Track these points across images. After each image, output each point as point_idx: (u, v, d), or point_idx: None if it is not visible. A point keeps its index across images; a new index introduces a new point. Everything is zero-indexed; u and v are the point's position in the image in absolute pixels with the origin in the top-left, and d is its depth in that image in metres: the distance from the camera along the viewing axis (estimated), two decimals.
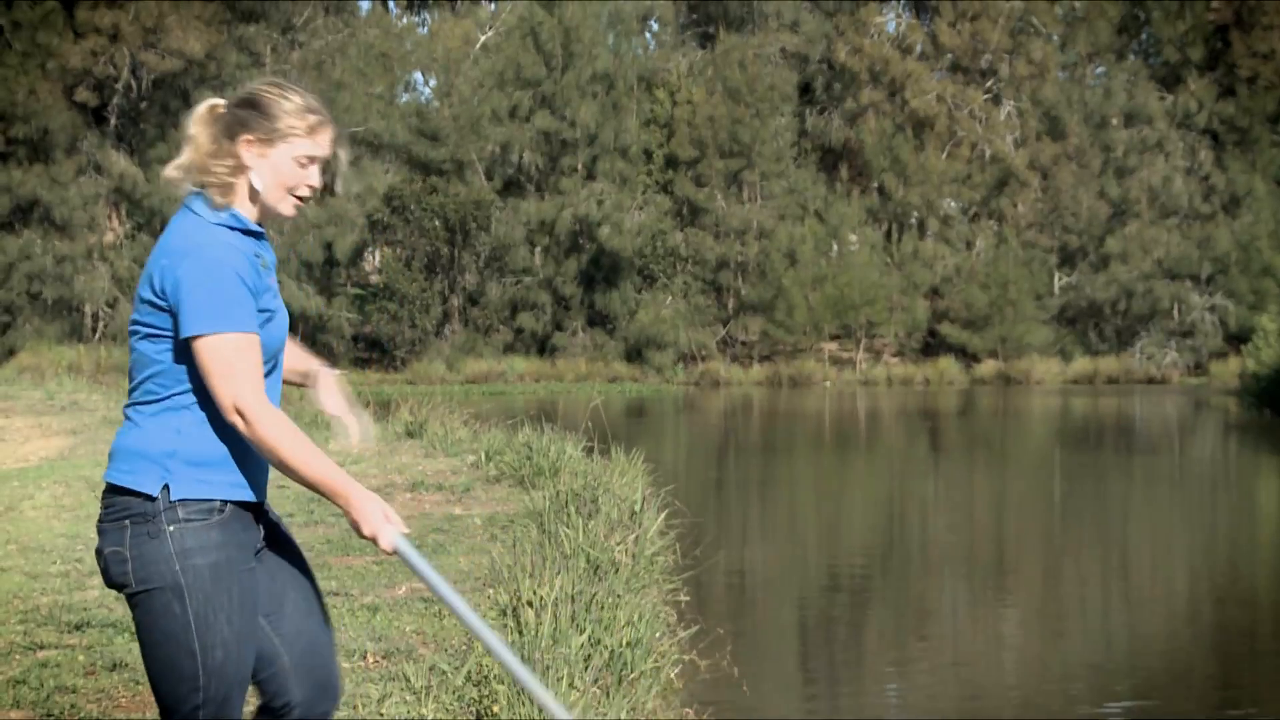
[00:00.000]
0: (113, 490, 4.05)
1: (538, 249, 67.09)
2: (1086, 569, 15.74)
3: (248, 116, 4.16)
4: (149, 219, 60.17)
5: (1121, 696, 9.94)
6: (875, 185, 72.97)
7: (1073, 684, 10.33)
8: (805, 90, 74.74)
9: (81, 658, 7.89)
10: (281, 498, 13.10)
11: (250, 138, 4.14)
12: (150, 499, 3.98)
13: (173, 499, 3.97)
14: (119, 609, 9.04)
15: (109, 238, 60.30)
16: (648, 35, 76.66)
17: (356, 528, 4.05)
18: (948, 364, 66.76)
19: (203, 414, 4.05)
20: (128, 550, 3.99)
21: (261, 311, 4.07)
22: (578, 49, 66.70)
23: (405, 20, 77.56)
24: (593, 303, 66.38)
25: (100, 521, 4.07)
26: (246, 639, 4.06)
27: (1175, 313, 70.09)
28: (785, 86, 70.30)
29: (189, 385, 4.05)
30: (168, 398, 4.06)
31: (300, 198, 4.24)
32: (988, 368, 66.95)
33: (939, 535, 18.17)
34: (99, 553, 4.05)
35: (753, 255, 67.44)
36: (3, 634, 8.46)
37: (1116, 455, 30.33)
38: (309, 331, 64.72)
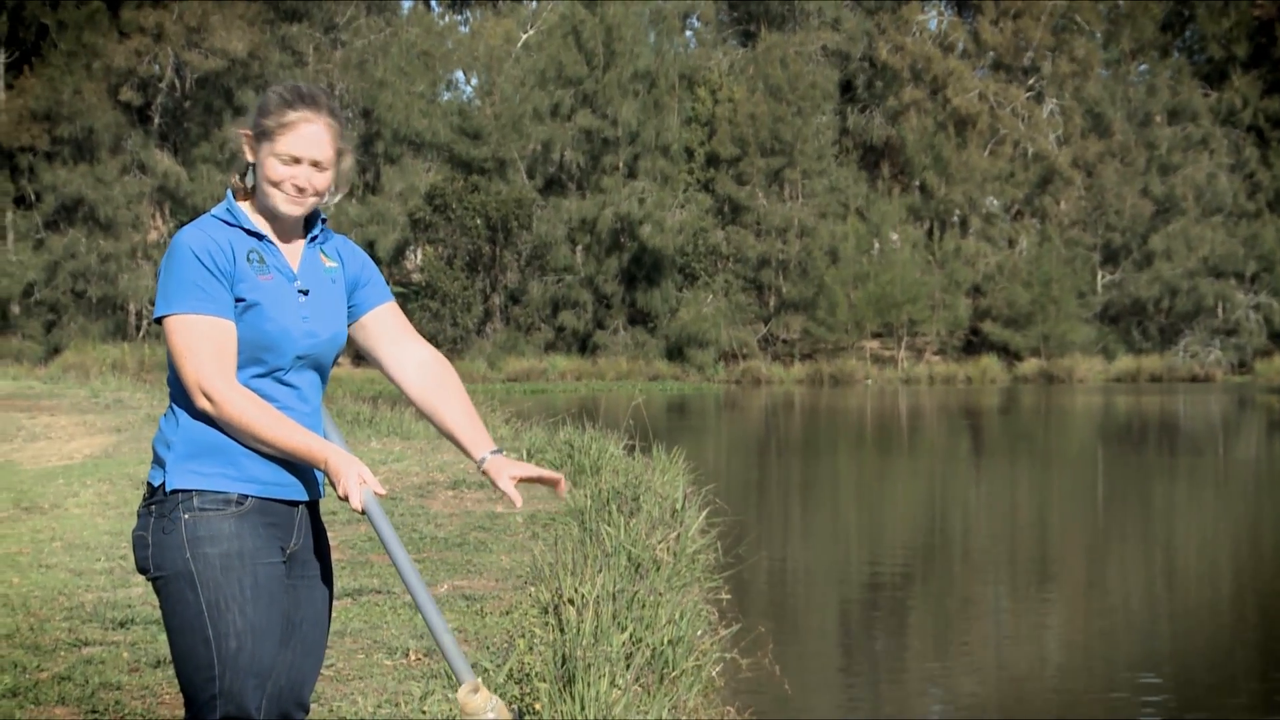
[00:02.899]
0: (146, 484, 4.16)
1: (579, 247, 67.11)
2: (1129, 568, 15.66)
3: (250, 112, 4.25)
4: (192, 217, 60.27)
5: (1165, 696, 9.89)
6: (917, 183, 72.77)
7: (1116, 684, 10.29)
8: (846, 88, 74.61)
9: (126, 654, 7.93)
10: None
11: (247, 132, 4.23)
12: (155, 489, 4.09)
13: (167, 490, 4.06)
14: None
15: (153, 236, 60.61)
16: (689, 33, 76.63)
17: (334, 487, 4.07)
18: (990, 362, 66.50)
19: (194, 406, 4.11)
20: (149, 535, 4.07)
21: (239, 301, 4.08)
22: (619, 47, 66.69)
23: (447, 19, 77.67)
24: (634, 301, 66.38)
25: (137, 514, 4.16)
26: (263, 632, 4.09)
27: (1219, 311, 69.71)
28: (827, 84, 70.14)
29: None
30: (175, 392, 4.16)
31: (296, 192, 4.21)
32: (1030, 366, 66.66)
33: (981, 534, 18.11)
34: (131, 540, 4.17)
35: (794, 253, 67.33)
36: (48, 631, 8.51)
37: (1160, 454, 30.18)
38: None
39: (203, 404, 4.01)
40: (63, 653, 7.99)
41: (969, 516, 20.27)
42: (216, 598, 4.02)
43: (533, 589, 9.54)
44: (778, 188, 68.47)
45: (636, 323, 66.42)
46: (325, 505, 4.40)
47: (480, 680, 4.18)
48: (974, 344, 69.80)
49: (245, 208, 4.26)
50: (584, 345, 65.55)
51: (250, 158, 4.23)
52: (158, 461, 4.12)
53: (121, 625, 8.64)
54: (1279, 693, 10.31)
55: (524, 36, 71.05)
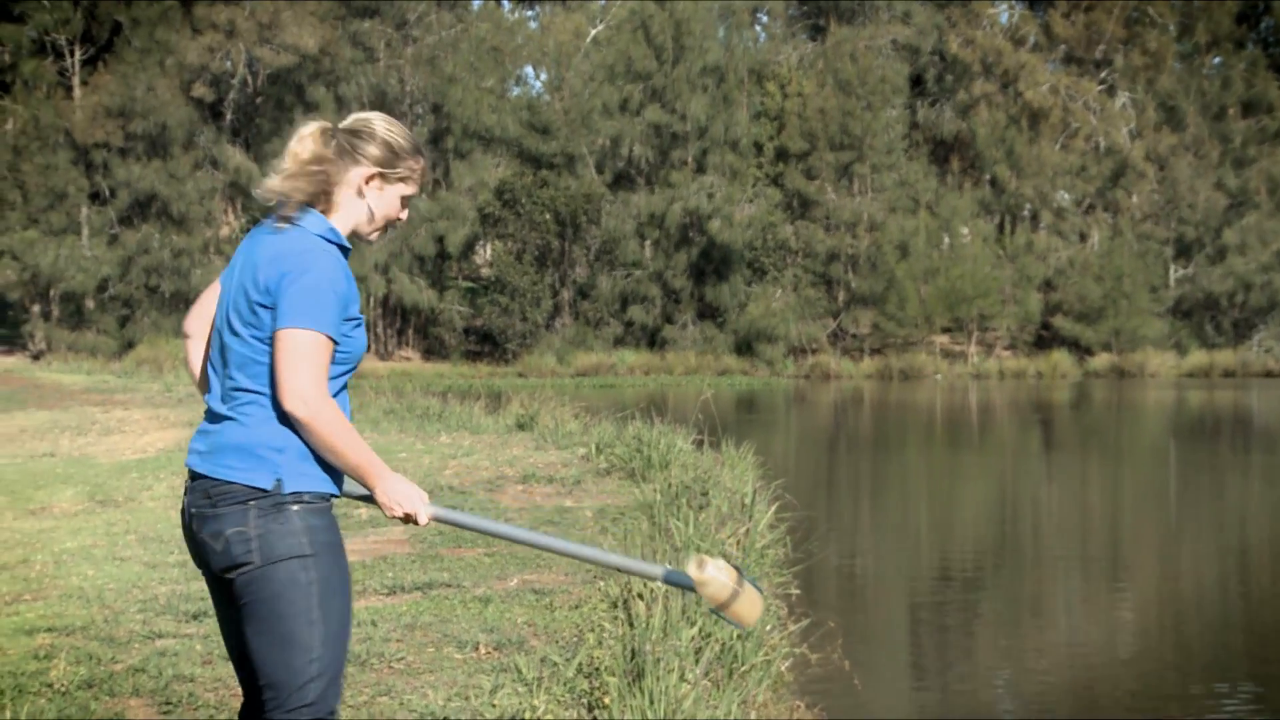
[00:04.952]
0: (219, 483, 4.22)
1: (648, 242, 67.10)
2: (1202, 564, 15.54)
3: (369, 151, 4.45)
4: (264, 213, 60.70)
5: (1237, 692, 9.81)
6: (987, 177, 72.41)
7: (1189, 684, 10.22)
8: (916, 82, 74.29)
9: (199, 647, 8.00)
10: None
11: (371, 173, 4.45)
12: (265, 493, 4.19)
13: (284, 492, 4.20)
14: None
15: (224, 231, 61.03)
16: (758, 28, 76.48)
17: (387, 509, 4.28)
18: (1060, 357, 66.08)
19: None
20: (251, 529, 4.18)
21: (349, 320, 4.30)
22: (688, 42, 66.61)
23: (517, 14, 77.86)
24: (703, 296, 66.31)
25: (213, 507, 4.22)
26: (348, 621, 4.31)
27: None
28: (896, 78, 69.83)
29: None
30: (265, 397, 4.27)
31: (387, 229, 4.60)
32: (1101, 361, 66.19)
33: (1052, 531, 18.00)
34: (216, 535, 4.20)
35: (863, 248, 67.09)
36: (122, 623, 8.58)
37: (1233, 450, 29.91)
38: (421, 325, 65.15)
39: (293, 406, 4.14)
40: (137, 645, 8.06)
41: (1039, 513, 20.15)
42: (327, 577, 4.23)
43: (602, 583, 9.56)
44: (847, 182, 68.24)
45: (705, 317, 66.36)
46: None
47: (694, 555, 4.57)
48: (1045, 339, 69.41)
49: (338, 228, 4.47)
50: (653, 340, 65.54)
51: (365, 194, 4.46)
52: (262, 463, 4.21)
53: (194, 618, 8.71)
54: None
55: (593, 31, 71.12)
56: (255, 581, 4.19)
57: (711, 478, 14.30)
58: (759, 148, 69.29)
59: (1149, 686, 10.14)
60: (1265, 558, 16.27)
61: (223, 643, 7.93)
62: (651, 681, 6.89)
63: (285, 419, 4.22)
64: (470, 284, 70.00)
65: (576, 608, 9.17)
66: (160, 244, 57.78)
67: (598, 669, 7.28)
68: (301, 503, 4.21)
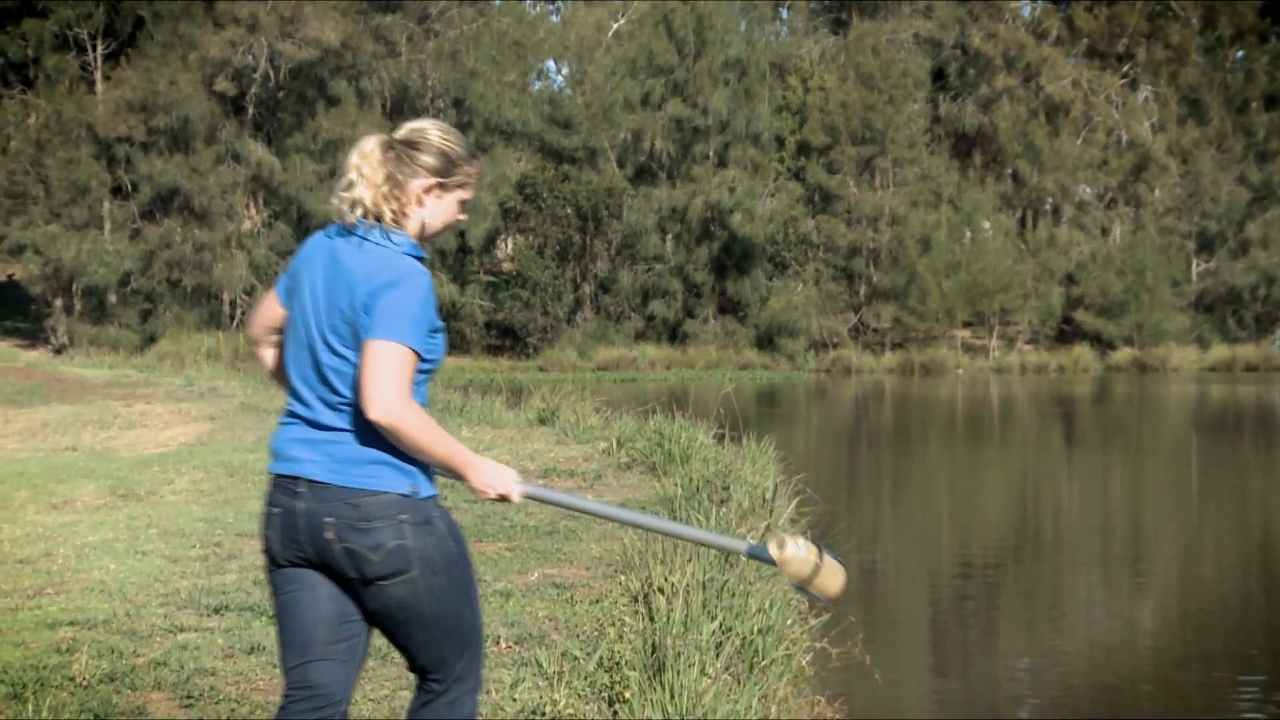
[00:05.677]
0: (366, 493, 4.48)
1: (669, 236, 67.06)
2: (1224, 561, 15.51)
3: (426, 161, 4.63)
4: (286, 207, 60.88)
5: (1259, 685, 9.79)
6: (1009, 171, 72.23)
7: (1211, 679, 10.20)
8: (938, 76, 74.13)
9: (220, 641, 8.02)
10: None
11: (430, 183, 4.62)
12: (406, 497, 4.48)
13: (421, 496, 4.52)
14: (257, 592, 9.17)
15: (246, 225, 61.07)
16: (780, 22, 76.38)
17: (481, 493, 4.59)
18: (1082, 351, 65.94)
19: None
20: (409, 541, 4.48)
21: (434, 333, 4.52)
22: (710, 36, 66.51)
23: (538, 8, 77.87)
24: (724, 290, 66.25)
25: (365, 520, 4.48)
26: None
27: None
28: (918, 72, 69.66)
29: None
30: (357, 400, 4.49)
31: (447, 234, 4.84)
32: (1123, 355, 66.04)
33: (1073, 525, 17.98)
34: (375, 547, 4.48)
35: (885, 242, 66.96)
36: (144, 616, 8.61)
37: (1255, 444, 29.85)
38: (443, 319, 65.07)
39: (384, 416, 4.33)
40: (158, 638, 8.09)
41: (1061, 507, 20.13)
42: (470, 569, 4.68)
43: (623, 577, 9.57)
44: (869, 176, 68.11)
45: (726, 311, 66.30)
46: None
47: (775, 534, 4.91)
48: (1066, 333, 69.26)
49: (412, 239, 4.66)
50: (674, 334, 65.50)
51: (425, 204, 4.64)
52: (401, 472, 4.49)
53: (216, 612, 8.74)
54: None
55: (615, 25, 71.08)
56: (417, 588, 4.52)
57: (732, 472, 14.30)
58: (780, 142, 69.17)
59: (1170, 681, 10.13)
60: None
61: (244, 637, 7.97)
62: (672, 676, 6.90)
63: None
64: (492, 278, 70.05)
65: (597, 602, 9.18)
66: (182, 238, 57.83)
67: (618, 663, 7.29)
68: (438, 508, 4.57)
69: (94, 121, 57.83)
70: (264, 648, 7.79)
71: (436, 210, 4.65)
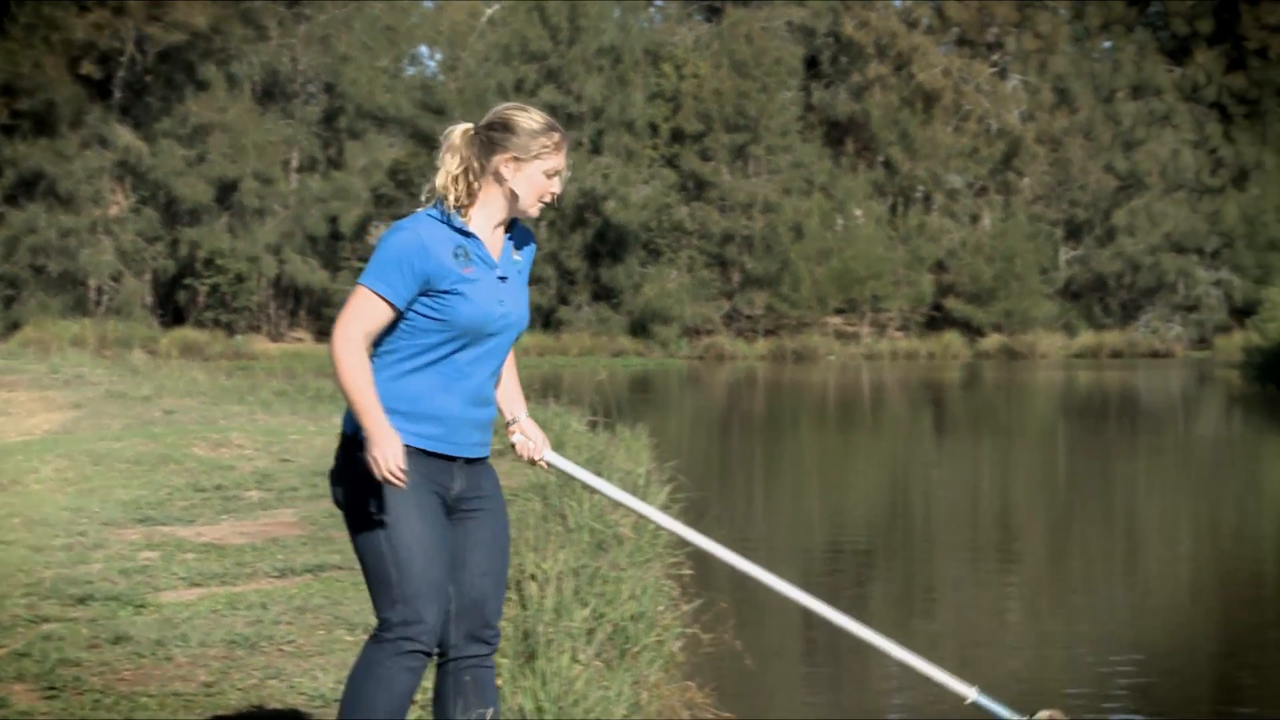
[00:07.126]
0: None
1: (543, 223, 66.98)
2: (1091, 544, 15.73)
3: (503, 138, 5.09)
4: (153, 193, 60.06)
5: (1126, 673, 9.93)
6: (881, 159, 72.77)
7: (1078, 664, 10.33)
8: (811, 64, 74.48)
9: (85, 631, 7.91)
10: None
11: (505, 157, 5.07)
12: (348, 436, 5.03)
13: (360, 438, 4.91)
14: (122, 582, 9.06)
15: (113, 211, 60.23)
16: (654, 9, 76.43)
17: (369, 465, 4.81)
18: (952, 338, 66.67)
19: (393, 369, 5.01)
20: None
21: (444, 293, 4.96)
22: (584, 22, 66.46)
23: None
24: (598, 277, 66.28)
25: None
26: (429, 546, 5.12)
27: (1180, 286, 70.04)
28: (791, 60, 70.05)
29: (387, 345, 5.02)
30: (376, 355, 5.02)
31: (551, 197, 5.20)
32: (992, 342, 66.84)
33: (943, 510, 18.17)
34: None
35: (758, 229, 67.27)
36: (6, 607, 8.47)
37: (1120, 429, 30.32)
38: (313, 306, 64.70)
39: (329, 346, 4.89)
40: (21, 629, 7.96)
41: (931, 493, 20.33)
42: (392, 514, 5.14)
43: None
44: (742, 164, 68.41)
45: (600, 299, 66.33)
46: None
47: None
48: (937, 320, 69.95)
49: (454, 213, 5.10)
50: (547, 321, 65.44)
51: (507, 177, 5.08)
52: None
53: (80, 602, 8.62)
54: (1234, 658, 10.38)
55: (488, 11, 70.75)
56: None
57: (606, 459, 14.30)
58: (654, 129, 69.26)
59: (1037, 668, 10.24)
60: (1151, 537, 16.51)
61: (108, 627, 7.86)
62: (544, 663, 6.90)
63: (383, 376, 4.96)
64: (362, 264, 69.49)
65: None
66: (47, 224, 56.95)
67: None
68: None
69: None
70: (129, 637, 7.69)
71: (519, 182, 5.09)
